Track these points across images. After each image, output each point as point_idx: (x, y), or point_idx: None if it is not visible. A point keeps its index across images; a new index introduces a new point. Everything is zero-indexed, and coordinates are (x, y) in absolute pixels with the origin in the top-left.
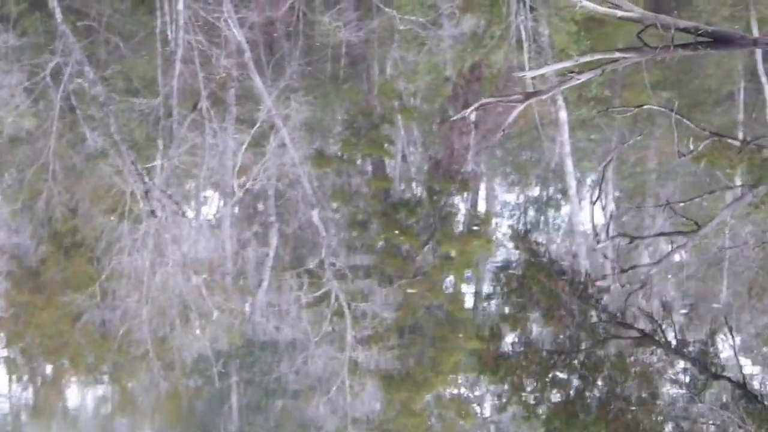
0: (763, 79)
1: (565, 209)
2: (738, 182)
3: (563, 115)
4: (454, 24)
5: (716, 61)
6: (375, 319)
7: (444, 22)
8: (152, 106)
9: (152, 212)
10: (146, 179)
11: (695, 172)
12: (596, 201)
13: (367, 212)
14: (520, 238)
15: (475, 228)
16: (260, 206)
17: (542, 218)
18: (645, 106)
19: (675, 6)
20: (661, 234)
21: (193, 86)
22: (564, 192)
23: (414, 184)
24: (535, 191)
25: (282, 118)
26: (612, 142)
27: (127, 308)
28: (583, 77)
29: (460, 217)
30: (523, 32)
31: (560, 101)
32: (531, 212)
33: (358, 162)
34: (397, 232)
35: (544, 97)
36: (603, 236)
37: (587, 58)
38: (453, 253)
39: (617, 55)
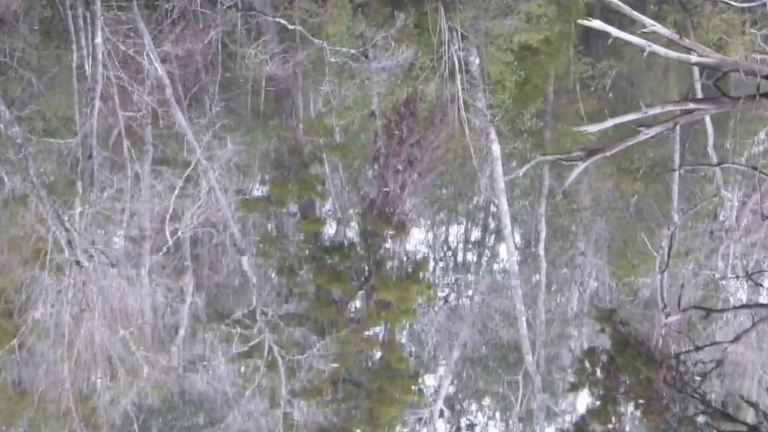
0: None
1: (501, 249)
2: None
3: (496, 148)
4: (389, 56)
5: (653, 90)
6: (310, 371)
7: (375, 54)
8: (71, 147)
9: (77, 262)
10: (69, 226)
11: (626, 208)
12: (665, 269)
13: (298, 257)
14: (607, 318)
15: (412, 272)
16: (185, 254)
17: (476, 260)
18: (725, 165)
19: (606, 33)
20: (743, 306)
21: (113, 125)
22: (498, 231)
23: (346, 227)
24: (470, 231)
25: (207, 158)
26: (543, 178)
27: (48, 364)
28: (652, 131)
29: (397, 261)
30: (456, 63)
31: (492, 134)
32: (466, 254)
33: (288, 204)
34: (329, 278)
35: (608, 154)
36: (672, 308)
37: (657, 110)
38: (390, 300)
39: (692, 106)
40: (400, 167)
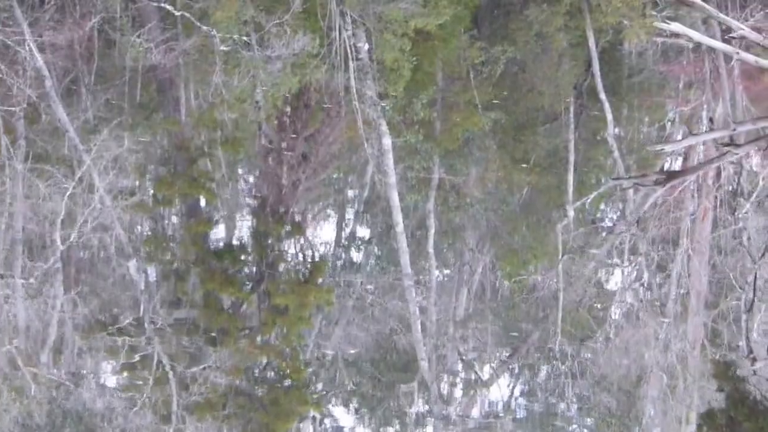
0: (602, 95)
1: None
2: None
3: (387, 141)
4: (283, 44)
5: (546, 75)
6: (204, 383)
7: (268, 42)
8: None
9: None
10: None
11: (516, 201)
12: (750, 308)
13: (185, 261)
14: (724, 374)
15: (309, 276)
16: (55, 254)
17: (369, 259)
18: None
19: (499, 15)
20: None
21: None
22: (390, 228)
23: (237, 227)
24: (360, 228)
25: (91, 156)
26: (433, 171)
27: None
28: (742, 150)
29: (293, 264)
30: (348, 49)
31: (383, 126)
32: (355, 253)
33: (175, 203)
34: (220, 282)
35: (689, 178)
36: (762, 353)
37: (747, 127)
38: (287, 305)
39: None
40: (293, 162)
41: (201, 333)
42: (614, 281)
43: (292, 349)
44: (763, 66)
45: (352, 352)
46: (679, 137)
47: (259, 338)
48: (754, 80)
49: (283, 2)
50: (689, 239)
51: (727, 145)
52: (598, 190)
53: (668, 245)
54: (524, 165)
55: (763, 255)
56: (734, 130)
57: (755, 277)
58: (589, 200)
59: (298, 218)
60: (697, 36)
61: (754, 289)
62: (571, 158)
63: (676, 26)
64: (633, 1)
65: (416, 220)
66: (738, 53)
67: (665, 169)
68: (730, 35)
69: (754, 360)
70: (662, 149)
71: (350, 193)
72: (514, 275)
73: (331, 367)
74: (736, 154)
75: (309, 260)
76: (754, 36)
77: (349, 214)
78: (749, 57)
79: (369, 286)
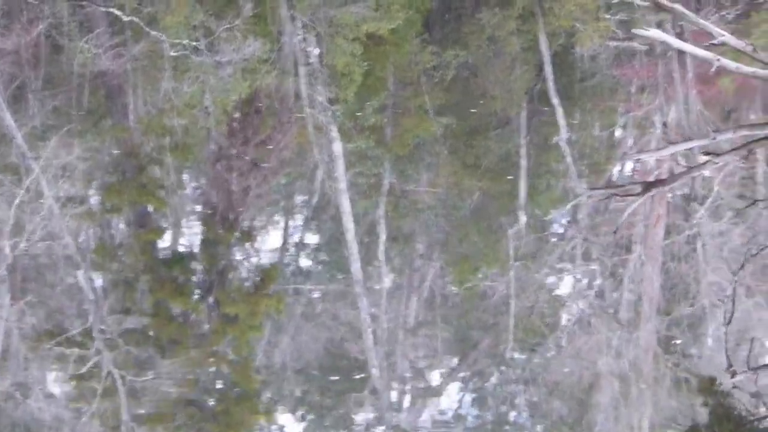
0: (555, 100)
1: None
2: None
3: (338, 147)
4: (235, 49)
5: (498, 80)
6: (155, 394)
7: (218, 47)
8: None
9: None
10: None
11: (467, 207)
12: (730, 321)
13: (135, 270)
14: (708, 389)
15: (260, 284)
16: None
17: (319, 266)
18: None
19: (450, 19)
20: None
21: None
22: (341, 235)
23: (186, 235)
24: (310, 235)
25: (40, 163)
26: (383, 177)
27: None
28: (722, 159)
29: (243, 272)
30: (298, 55)
31: (334, 131)
32: (306, 260)
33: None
34: (169, 291)
35: (667, 188)
36: (740, 366)
37: (728, 135)
38: (237, 314)
39: None
40: (244, 169)
41: (151, 342)
42: (566, 287)
43: (243, 358)
44: (745, 73)
45: (301, 360)
46: (664, 144)
47: (209, 347)
48: (708, 84)
49: (233, 7)
50: (642, 245)
51: (707, 153)
52: (573, 201)
53: (621, 251)
54: (476, 170)
55: (742, 267)
56: (714, 138)
57: (734, 290)
58: (564, 210)
59: (247, 225)
60: (675, 43)
61: (733, 302)
62: (523, 163)
63: (655, 32)
64: (587, 4)
65: (366, 226)
66: (718, 59)
67: (610, 176)
68: (711, 42)
69: (734, 373)
70: (639, 158)
71: (300, 199)
72: (464, 282)
73: (280, 375)
74: (716, 163)
75: (259, 268)
76: (734, 42)
77: (299, 221)
78: (730, 63)
79: (317, 294)
